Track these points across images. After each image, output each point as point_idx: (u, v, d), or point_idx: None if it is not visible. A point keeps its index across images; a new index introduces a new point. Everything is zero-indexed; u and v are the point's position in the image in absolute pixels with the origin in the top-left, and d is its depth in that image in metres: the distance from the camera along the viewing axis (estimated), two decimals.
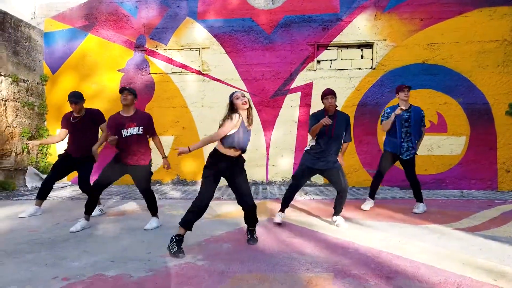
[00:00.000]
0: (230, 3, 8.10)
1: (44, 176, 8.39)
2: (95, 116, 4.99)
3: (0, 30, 7.31)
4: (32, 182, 8.08)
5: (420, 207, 5.13)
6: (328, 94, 4.26)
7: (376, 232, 4.03)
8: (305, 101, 7.96)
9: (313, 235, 3.97)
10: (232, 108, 3.41)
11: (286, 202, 4.48)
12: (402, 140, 5.04)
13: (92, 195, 4.24)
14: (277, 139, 8.03)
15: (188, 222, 3.36)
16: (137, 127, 4.11)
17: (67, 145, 5.05)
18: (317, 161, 4.24)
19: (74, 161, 4.92)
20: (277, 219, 4.43)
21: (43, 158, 8.52)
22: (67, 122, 4.96)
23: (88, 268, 2.93)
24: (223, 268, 2.92)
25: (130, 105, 4.14)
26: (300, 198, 6.34)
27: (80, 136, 4.86)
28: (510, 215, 4.95)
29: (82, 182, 4.89)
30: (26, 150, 7.98)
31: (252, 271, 2.86)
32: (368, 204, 5.39)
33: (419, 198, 5.19)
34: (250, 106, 3.45)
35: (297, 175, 4.42)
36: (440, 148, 7.57)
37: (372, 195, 5.43)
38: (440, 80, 7.54)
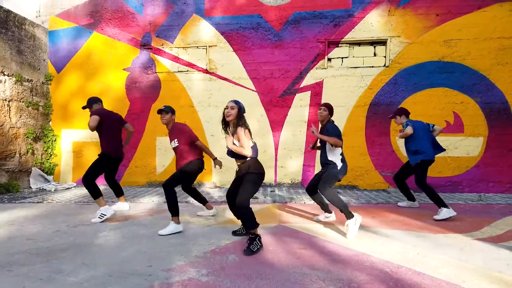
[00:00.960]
0: None
1: (50, 177, 8.29)
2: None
3: (3, 29, 7.17)
4: (37, 183, 7.96)
5: (441, 213, 4.81)
6: (321, 105, 4.50)
7: (393, 243, 3.78)
8: (315, 101, 7.69)
9: (325, 246, 3.73)
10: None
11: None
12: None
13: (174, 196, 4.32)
14: (286, 139, 7.79)
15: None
16: (173, 141, 4.59)
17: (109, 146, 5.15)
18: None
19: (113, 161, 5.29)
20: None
21: (48, 159, 8.39)
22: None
23: (84, 284, 2.73)
24: (228, 285, 2.70)
25: (168, 123, 4.65)
26: (310, 202, 6.10)
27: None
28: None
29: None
30: (30, 151, 7.86)
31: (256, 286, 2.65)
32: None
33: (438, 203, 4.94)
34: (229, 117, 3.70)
35: None
36: (456, 149, 7.25)
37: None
38: (457, 78, 7.22)
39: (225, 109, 3.72)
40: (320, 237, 4.03)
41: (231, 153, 3.74)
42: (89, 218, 4.91)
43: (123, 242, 3.84)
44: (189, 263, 3.14)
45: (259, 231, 3.82)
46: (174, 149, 4.63)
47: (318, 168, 7.65)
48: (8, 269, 3.06)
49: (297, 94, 7.78)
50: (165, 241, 3.86)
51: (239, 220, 4.17)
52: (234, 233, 4.13)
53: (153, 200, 6.33)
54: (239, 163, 3.77)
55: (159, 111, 4.60)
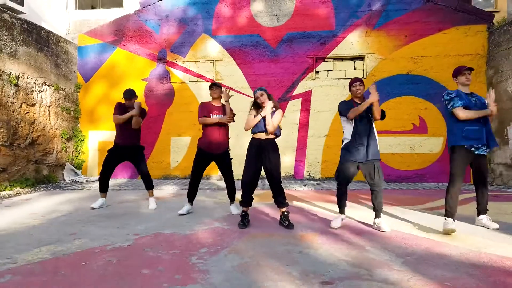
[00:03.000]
0: (240, 21, 9.37)
1: (79, 171, 9.73)
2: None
3: (45, 47, 8.62)
4: (69, 176, 9.39)
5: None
6: (356, 81, 4.30)
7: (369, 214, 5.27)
8: (305, 106, 9.21)
9: (313, 212, 5.22)
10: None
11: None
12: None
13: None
14: (281, 139, 9.14)
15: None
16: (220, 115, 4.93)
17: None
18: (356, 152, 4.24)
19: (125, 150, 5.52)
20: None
21: (77, 156, 9.82)
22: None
23: (148, 229, 4.20)
24: (243, 230, 4.18)
25: (219, 97, 4.99)
26: (300, 188, 7.58)
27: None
28: (468, 200, 6.17)
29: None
30: (64, 149, 9.29)
31: (264, 231, 4.12)
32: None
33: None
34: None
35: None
36: (421, 147, 8.79)
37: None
38: (421, 88, 8.75)
39: (256, 98, 4.36)
40: (302, 207, 5.52)
41: (263, 127, 4.32)
42: (126, 199, 6.35)
43: (162, 211, 5.29)
44: (214, 220, 4.63)
45: (261, 207, 5.27)
46: (218, 124, 4.87)
47: (308, 163, 9.18)
48: (92, 223, 4.52)
49: (290, 101, 9.29)
50: (195, 211, 5.30)
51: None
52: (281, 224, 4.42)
53: (173, 188, 7.80)
54: (265, 137, 4.35)
55: (211, 86, 4.95)
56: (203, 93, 9.48)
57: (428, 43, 8.79)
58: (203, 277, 2.70)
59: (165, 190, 7.49)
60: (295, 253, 3.30)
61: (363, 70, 9.08)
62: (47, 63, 8.66)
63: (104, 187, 5.63)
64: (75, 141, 9.76)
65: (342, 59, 9.18)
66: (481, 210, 4.36)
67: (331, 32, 9.10)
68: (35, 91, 8.19)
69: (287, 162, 9.31)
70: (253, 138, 4.49)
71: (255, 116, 4.40)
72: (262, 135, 4.40)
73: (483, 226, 4.29)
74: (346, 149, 4.33)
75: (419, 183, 8.68)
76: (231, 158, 5.15)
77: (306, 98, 9.21)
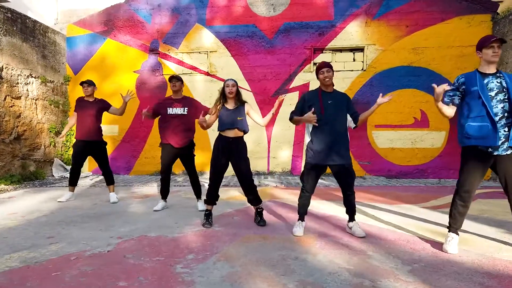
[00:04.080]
0: (235, 11, 9.00)
1: (68, 167, 9.39)
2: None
3: (31, 37, 8.23)
4: (58, 172, 9.04)
5: None
6: (324, 66, 3.73)
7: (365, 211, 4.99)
8: None
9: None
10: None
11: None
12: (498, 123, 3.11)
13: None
14: (277, 133, 8.96)
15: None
16: (183, 108, 4.90)
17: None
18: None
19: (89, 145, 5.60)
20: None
21: (66, 151, 9.48)
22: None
23: (133, 231, 3.89)
24: (235, 231, 3.88)
25: (179, 91, 4.91)
26: (296, 185, 7.28)
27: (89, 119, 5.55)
28: (474, 197, 5.89)
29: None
30: (53, 143, 8.94)
31: (256, 233, 3.82)
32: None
33: None
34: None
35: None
36: (422, 141, 8.50)
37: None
38: (423, 81, 8.43)
39: (226, 87, 4.13)
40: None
41: (238, 122, 4.14)
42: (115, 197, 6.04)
43: (151, 210, 4.98)
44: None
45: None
46: (179, 116, 4.82)
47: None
48: (73, 224, 4.20)
49: (287, 94, 8.93)
50: (183, 210, 5.02)
51: (237, 198, 5.13)
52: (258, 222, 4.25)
53: None
54: (233, 136, 4.14)
55: (171, 78, 4.84)
56: (198, 86, 9.15)
57: (430, 33, 8.45)
58: None
59: (155, 187, 7.16)
60: (291, 260, 3.00)
61: (362, 61, 8.74)
62: (33, 54, 8.28)
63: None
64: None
65: (341, 50, 8.83)
66: None
67: (330, 22, 8.75)
68: (21, 83, 7.81)
69: (284, 157, 9.00)
70: (220, 136, 4.23)
71: (217, 107, 4.22)
72: (230, 133, 4.18)
73: None
74: (307, 150, 3.80)
75: (420, 178, 8.39)
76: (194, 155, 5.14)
77: (304, 90, 8.87)
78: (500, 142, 3.10)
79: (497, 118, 3.09)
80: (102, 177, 8.73)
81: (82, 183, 7.77)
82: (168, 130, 4.87)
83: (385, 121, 8.57)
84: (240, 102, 4.26)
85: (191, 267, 2.82)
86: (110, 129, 9.18)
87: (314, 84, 8.77)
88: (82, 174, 9.16)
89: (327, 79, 3.69)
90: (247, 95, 8.92)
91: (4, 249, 3.27)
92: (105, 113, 5.80)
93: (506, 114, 3.11)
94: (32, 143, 8.23)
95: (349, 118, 3.77)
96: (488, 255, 3.12)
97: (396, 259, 3.03)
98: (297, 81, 8.89)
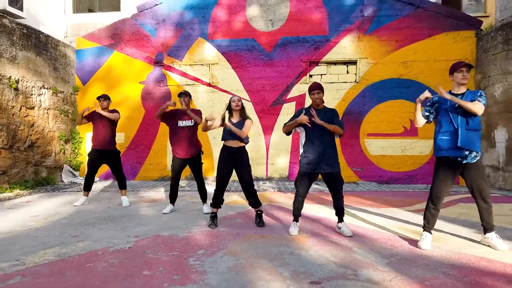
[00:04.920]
0: (235, 26, 9.56)
1: (77, 173, 9.89)
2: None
3: (44, 50, 8.76)
4: (67, 178, 9.54)
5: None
6: (315, 88, 4.20)
7: (358, 214, 5.49)
8: None
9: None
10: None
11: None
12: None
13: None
14: (276, 141, 9.49)
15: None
16: (189, 120, 5.40)
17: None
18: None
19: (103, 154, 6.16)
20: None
21: (75, 157, 9.97)
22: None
23: (147, 231, 4.39)
24: (237, 231, 4.39)
25: (188, 105, 5.40)
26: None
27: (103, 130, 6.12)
28: (454, 202, 6.41)
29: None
30: (62, 151, 9.44)
31: (257, 233, 4.33)
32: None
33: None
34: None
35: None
36: (412, 149, 9.04)
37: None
38: (412, 92, 8.96)
39: (232, 102, 4.70)
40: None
41: (235, 136, 4.59)
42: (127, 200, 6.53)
43: (160, 213, 5.47)
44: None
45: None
46: (185, 128, 5.33)
47: None
48: (92, 225, 4.70)
49: (284, 104, 9.49)
50: (189, 213, 5.52)
51: (238, 202, 5.66)
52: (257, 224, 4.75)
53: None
54: (237, 146, 4.63)
55: (180, 94, 5.34)
56: (200, 96, 9.68)
57: (418, 48, 9.02)
58: (200, 278, 2.90)
59: (162, 192, 7.66)
60: (287, 254, 3.51)
61: (355, 74, 9.30)
62: (45, 66, 8.80)
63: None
64: (73, 143, 9.91)
65: (335, 63, 9.39)
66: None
67: (325, 37, 9.31)
68: (34, 94, 8.33)
69: (281, 164, 9.51)
70: (225, 146, 4.74)
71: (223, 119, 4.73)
72: (233, 143, 4.66)
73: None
74: (300, 160, 4.34)
75: (410, 184, 8.92)
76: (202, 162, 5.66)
77: (300, 101, 9.41)
78: (467, 153, 3.63)
79: None
80: (110, 182, 9.28)
81: (93, 188, 8.25)
82: (178, 142, 5.39)
83: (377, 130, 9.11)
84: (243, 117, 4.76)
85: (202, 260, 3.32)
86: (117, 136, 9.62)
87: None
88: None
89: (317, 100, 4.24)
90: (247, 105, 9.44)
91: (38, 246, 3.76)
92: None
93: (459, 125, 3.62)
94: (44, 150, 8.73)
95: None
96: (456, 251, 3.63)
97: (377, 254, 3.54)
98: (294, 92, 9.43)
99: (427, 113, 3.94)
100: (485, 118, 8.43)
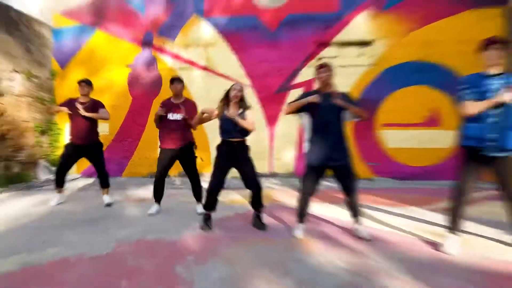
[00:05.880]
0: (235, 1, 9.35)
1: (54, 168, 9.75)
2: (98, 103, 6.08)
3: (15, 29, 8.59)
4: (44, 174, 9.41)
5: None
6: (322, 67, 4.08)
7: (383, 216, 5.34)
8: None
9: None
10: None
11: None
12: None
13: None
14: (281, 133, 9.32)
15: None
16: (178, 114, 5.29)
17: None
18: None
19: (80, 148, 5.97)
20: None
21: (53, 152, 9.84)
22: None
23: (131, 235, 4.25)
24: (234, 235, 4.25)
25: (180, 93, 5.35)
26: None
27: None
28: (481, 200, 6.23)
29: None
30: (38, 144, 9.30)
31: (258, 237, 4.18)
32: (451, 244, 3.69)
33: None
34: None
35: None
36: (433, 141, 8.84)
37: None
38: (435, 77, 8.76)
39: (231, 90, 4.50)
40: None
41: (237, 130, 4.44)
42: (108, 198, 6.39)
43: (144, 215, 5.33)
44: None
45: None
46: (176, 122, 5.22)
47: None
48: (68, 228, 4.57)
49: (291, 91, 9.30)
50: (181, 213, 5.37)
51: (237, 202, 5.49)
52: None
53: None
54: (237, 140, 4.50)
55: (172, 80, 5.27)
56: (194, 82, 9.50)
57: (442, 27, 8.79)
58: None
59: (151, 190, 7.50)
60: (291, 261, 3.37)
61: (371, 56, 9.08)
62: (17, 48, 8.64)
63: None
64: (50, 135, 9.77)
65: (348, 44, 9.17)
66: None
67: (336, 14, 9.09)
68: (4, 79, 8.18)
69: (287, 158, 9.35)
70: (223, 141, 4.58)
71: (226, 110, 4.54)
72: (234, 139, 4.52)
73: None
74: (307, 153, 4.19)
75: (430, 180, 8.74)
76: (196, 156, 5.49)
77: (309, 87, 9.22)
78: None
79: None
80: (93, 180, 9.14)
81: (72, 186, 8.13)
82: (168, 135, 5.27)
83: (393, 120, 8.91)
84: (244, 108, 4.57)
85: (191, 268, 3.18)
86: (100, 127, 9.48)
87: None
88: (70, 177, 9.53)
89: (325, 79, 4.05)
90: (248, 92, 9.27)
91: (1, 253, 3.62)
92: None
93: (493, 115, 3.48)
94: (16, 144, 8.59)
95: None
96: (480, 254, 3.49)
97: (393, 259, 3.40)
98: (302, 77, 9.24)
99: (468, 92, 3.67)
100: None
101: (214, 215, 4.98)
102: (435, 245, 3.81)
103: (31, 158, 9.10)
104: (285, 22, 9.25)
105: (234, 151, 4.52)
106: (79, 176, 9.72)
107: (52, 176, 9.29)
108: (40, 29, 9.47)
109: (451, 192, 3.81)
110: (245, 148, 4.61)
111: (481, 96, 3.54)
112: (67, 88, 9.84)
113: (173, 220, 4.99)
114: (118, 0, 9.66)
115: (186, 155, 5.38)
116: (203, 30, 9.48)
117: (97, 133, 6.16)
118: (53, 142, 9.83)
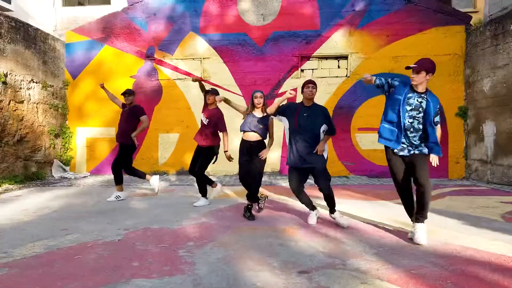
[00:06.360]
0: (227, 20, 9.52)
1: (67, 168, 9.82)
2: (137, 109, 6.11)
3: (33, 44, 8.65)
4: (57, 173, 9.46)
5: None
6: (311, 82, 4.28)
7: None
8: None
9: (286, 207, 5.46)
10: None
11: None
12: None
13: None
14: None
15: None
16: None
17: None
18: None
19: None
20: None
21: (65, 152, 9.89)
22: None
23: (137, 224, 4.38)
24: (228, 224, 4.40)
25: (213, 103, 5.44)
26: (284, 184, 7.83)
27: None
28: (445, 194, 6.49)
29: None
30: (52, 145, 9.36)
31: (247, 225, 4.35)
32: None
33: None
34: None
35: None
36: None
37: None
38: None
39: (254, 98, 4.82)
40: (286, 202, 5.76)
41: (258, 128, 4.75)
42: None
43: (151, 207, 5.47)
44: (201, 215, 4.83)
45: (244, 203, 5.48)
46: (204, 124, 5.40)
47: None
48: (82, 219, 4.68)
49: (276, 98, 9.48)
50: (180, 206, 5.51)
51: (229, 196, 5.69)
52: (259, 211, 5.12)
53: (161, 184, 7.96)
54: (255, 139, 4.78)
55: (206, 92, 5.52)
56: (191, 91, 9.64)
57: (409, 43, 9.07)
58: (189, 268, 2.91)
59: (152, 187, 7.63)
60: (276, 246, 3.53)
61: (346, 68, 9.33)
62: (34, 60, 8.70)
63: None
64: (63, 138, 9.83)
65: (326, 58, 9.41)
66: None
67: (316, 31, 9.32)
68: (23, 88, 8.24)
69: (273, 158, 9.52)
70: (243, 140, 4.89)
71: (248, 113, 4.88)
72: (252, 137, 4.80)
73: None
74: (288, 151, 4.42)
75: None
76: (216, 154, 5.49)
77: (292, 96, 9.40)
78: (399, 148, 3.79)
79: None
80: (101, 177, 9.24)
81: (82, 182, 8.22)
82: (198, 132, 5.54)
83: (368, 124, 9.14)
84: (267, 113, 4.77)
85: (192, 252, 3.33)
86: (107, 131, 9.63)
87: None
88: (80, 174, 9.62)
89: (310, 94, 4.26)
90: (238, 100, 9.45)
91: (26, 239, 3.74)
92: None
93: (411, 129, 3.74)
94: (34, 145, 8.65)
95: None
96: (443, 241, 3.68)
97: (365, 244, 3.57)
98: (286, 86, 9.43)
99: (383, 82, 4.13)
100: (474, 112, 8.54)
101: (210, 207, 5.16)
102: (400, 233, 4.00)
103: (46, 158, 9.15)
104: (271, 38, 9.45)
105: (250, 149, 4.83)
106: (88, 174, 9.80)
107: (65, 174, 9.38)
108: (54, 44, 9.53)
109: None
110: (261, 147, 4.84)
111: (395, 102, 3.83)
112: (78, 96, 9.93)
113: (174, 212, 5.12)
114: (124, 18, 9.77)
115: (203, 152, 5.39)
116: (199, 45, 9.63)
117: (127, 135, 6.01)
118: (65, 144, 9.88)
